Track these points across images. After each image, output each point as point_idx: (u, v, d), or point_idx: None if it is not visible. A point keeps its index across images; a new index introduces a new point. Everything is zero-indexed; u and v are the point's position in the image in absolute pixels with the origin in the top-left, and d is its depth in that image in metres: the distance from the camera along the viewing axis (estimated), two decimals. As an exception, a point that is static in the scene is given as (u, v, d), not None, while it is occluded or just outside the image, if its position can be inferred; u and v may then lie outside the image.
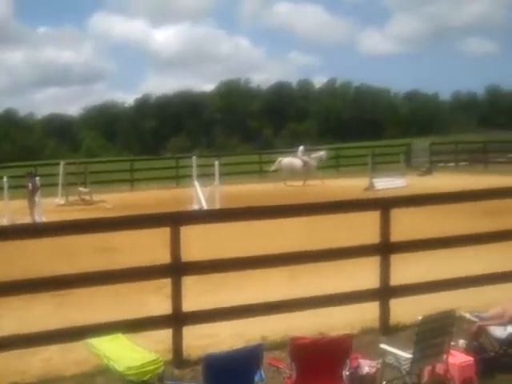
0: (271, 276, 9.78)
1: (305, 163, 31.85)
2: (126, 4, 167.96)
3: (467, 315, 7.20)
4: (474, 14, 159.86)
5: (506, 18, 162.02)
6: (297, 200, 11.64)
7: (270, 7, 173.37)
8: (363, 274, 8.79)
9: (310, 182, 30.49)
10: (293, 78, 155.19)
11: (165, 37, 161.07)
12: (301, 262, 8.16)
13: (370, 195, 21.44)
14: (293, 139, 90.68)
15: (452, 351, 6.28)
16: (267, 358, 5.92)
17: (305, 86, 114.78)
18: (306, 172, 31.69)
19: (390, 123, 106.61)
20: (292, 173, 31.77)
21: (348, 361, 5.54)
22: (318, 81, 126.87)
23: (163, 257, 7.20)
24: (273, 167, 32.75)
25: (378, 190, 25.22)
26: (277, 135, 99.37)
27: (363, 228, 8.52)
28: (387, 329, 7.97)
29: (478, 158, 37.85)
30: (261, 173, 35.78)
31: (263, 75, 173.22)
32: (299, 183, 30.61)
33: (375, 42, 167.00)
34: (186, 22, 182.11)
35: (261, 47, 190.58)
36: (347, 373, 5.50)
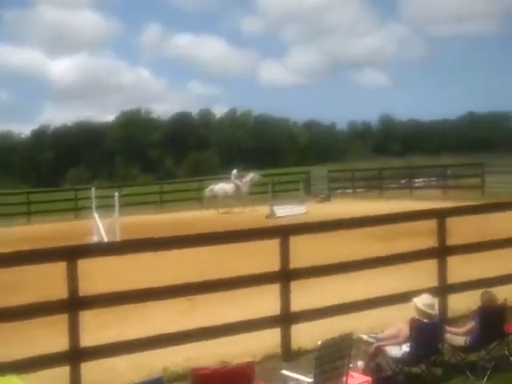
0: (172, 306, 9.67)
1: (237, 187, 31.46)
2: (21, 35, 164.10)
3: (364, 337, 7.39)
4: (367, 47, 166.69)
5: (397, 52, 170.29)
6: (197, 229, 11.59)
7: (171, 38, 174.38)
8: (265, 301, 8.84)
9: (236, 209, 30.22)
10: (193, 108, 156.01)
11: (62, 67, 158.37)
12: (202, 291, 8.13)
13: (271, 222, 21.70)
14: (194, 169, 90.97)
15: (351, 373, 6.42)
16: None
17: (206, 115, 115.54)
18: (237, 197, 31.34)
19: (289, 152, 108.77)
20: (225, 198, 31.26)
21: (250, 389, 5.55)
22: (219, 111, 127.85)
23: (61, 292, 6.98)
24: (207, 194, 32.01)
25: (279, 217, 25.54)
26: (178, 165, 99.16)
27: (266, 255, 8.59)
28: (289, 354, 8.05)
29: (374, 184, 39.18)
30: (161, 203, 35.59)
31: (164, 106, 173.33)
32: (224, 210, 30.31)
33: (274, 73, 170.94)
34: (83, 53, 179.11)
35: (161, 78, 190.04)
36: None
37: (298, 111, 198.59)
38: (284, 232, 8.22)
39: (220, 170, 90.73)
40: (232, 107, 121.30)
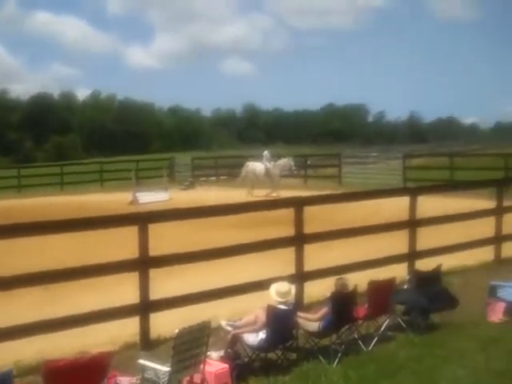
0: (27, 295, 9.27)
1: (267, 170, 28.85)
2: None
3: (223, 324, 7.48)
4: (232, 36, 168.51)
5: (262, 42, 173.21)
6: (51, 216, 11.18)
7: (30, 15, 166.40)
8: (127, 290, 8.69)
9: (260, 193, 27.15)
10: (55, 89, 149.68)
11: None
12: (59, 279, 7.83)
13: (134, 209, 21.41)
14: (56, 152, 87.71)
15: (209, 360, 6.48)
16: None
17: (68, 97, 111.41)
18: (269, 180, 28.61)
19: (154, 137, 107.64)
20: (254, 180, 28.87)
21: (106, 379, 5.45)
22: (82, 93, 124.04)
23: None
24: (242, 173, 29.62)
25: (142, 204, 25.27)
26: (39, 148, 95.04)
27: (128, 243, 8.43)
28: (148, 343, 7.98)
29: (237, 172, 39.55)
30: (20, 187, 34.08)
31: (23, 86, 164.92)
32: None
33: (139, 56, 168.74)
34: None
35: (20, 57, 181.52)
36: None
37: (163, 96, 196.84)
38: (143, 219, 8.10)
39: (83, 154, 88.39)
40: (95, 90, 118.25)
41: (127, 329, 8.18)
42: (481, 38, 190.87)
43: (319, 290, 9.36)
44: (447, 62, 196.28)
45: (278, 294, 7.20)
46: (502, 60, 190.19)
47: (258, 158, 30.43)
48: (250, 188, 28.46)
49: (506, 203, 12.97)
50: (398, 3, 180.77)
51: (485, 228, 12.70)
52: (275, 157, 30.06)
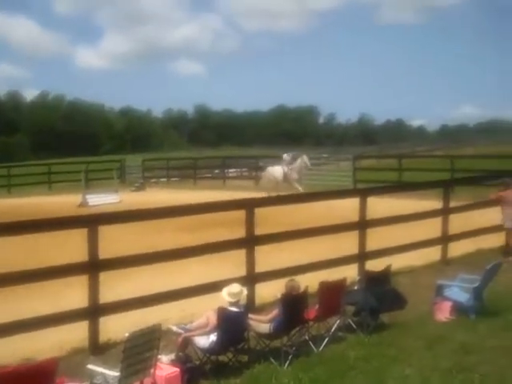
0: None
1: (285, 175, 27.09)
2: None
3: (173, 327, 7.43)
4: (182, 37, 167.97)
5: (212, 43, 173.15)
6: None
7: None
8: (77, 294, 8.54)
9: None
10: (1, 89, 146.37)
11: None
12: (5, 284, 7.57)
13: (84, 211, 21.08)
14: (3, 153, 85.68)
15: (159, 364, 6.42)
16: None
17: (15, 98, 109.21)
18: (287, 185, 26.85)
19: (104, 138, 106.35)
20: (274, 184, 26.95)
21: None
22: (30, 94, 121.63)
23: None
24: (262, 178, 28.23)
25: (92, 207, 24.91)
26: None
27: (78, 246, 8.28)
28: (97, 348, 7.86)
29: (188, 173, 39.48)
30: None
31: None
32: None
33: (88, 57, 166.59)
34: None
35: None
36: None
37: (113, 97, 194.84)
38: (92, 221, 7.98)
39: (30, 155, 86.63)
40: (44, 90, 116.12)
41: (76, 333, 8.03)
42: (428, 42, 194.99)
43: (270, 291, 9.38)
44: (396, 65, 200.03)
45: (230, 294, 7.19)
46: (449, 65, 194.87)
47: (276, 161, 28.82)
48: (270, 193, 27.30)
49: (451, 204, 13.25)
50: (348, 7, 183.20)
51: (432, 228, 12.94)
52: (295, 158, 28.08)
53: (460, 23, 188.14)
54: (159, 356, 6.38)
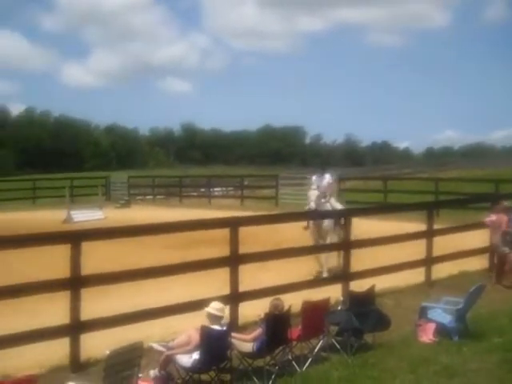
0: None
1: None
2: None
3: (155, 345, 7.35)
4: (170, 55, 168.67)
5: (199, 62, 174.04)
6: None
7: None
8: (58, 310, 8.44)
9: None
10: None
11: None
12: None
13: (68, 228, 20.97)
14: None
15: (141, 382, 6.34)
16: None
17: (1, 113, 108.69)
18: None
19: (90, 155, 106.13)
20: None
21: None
22: (16, 109, 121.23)
23: None
24: None
25: (76, 223, 24.78)
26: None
27: (59, 261, 8.20)
28: (78, 365, 7.75)
29: (174, 191, 39.41)
30: None
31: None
32: None
33: (75, 74, 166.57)
34: None
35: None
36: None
37: (99, 114, 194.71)
38: (76, 237, 7.92)
39: (15, 170, 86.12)
40: (30, 106, 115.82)
41: (56, 351, 7.91)
42: (411, 65, 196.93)
43: (254, 310, 9.32)
44: (383, 88, 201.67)
45: (213, 313, 7.13)
46: (434, 88, 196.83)
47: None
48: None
49: (435, 226, 13.30)
50: (335, 28, 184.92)
51: (416, 250, 12.96)
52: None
53: (446, 47, 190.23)
54: (140, 374, 6.32)
